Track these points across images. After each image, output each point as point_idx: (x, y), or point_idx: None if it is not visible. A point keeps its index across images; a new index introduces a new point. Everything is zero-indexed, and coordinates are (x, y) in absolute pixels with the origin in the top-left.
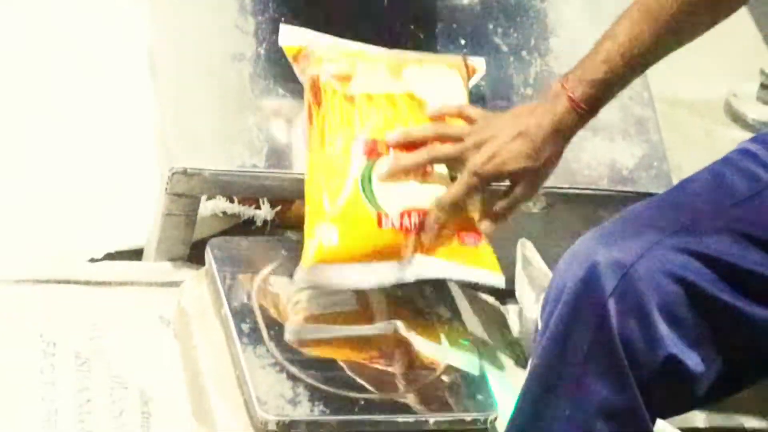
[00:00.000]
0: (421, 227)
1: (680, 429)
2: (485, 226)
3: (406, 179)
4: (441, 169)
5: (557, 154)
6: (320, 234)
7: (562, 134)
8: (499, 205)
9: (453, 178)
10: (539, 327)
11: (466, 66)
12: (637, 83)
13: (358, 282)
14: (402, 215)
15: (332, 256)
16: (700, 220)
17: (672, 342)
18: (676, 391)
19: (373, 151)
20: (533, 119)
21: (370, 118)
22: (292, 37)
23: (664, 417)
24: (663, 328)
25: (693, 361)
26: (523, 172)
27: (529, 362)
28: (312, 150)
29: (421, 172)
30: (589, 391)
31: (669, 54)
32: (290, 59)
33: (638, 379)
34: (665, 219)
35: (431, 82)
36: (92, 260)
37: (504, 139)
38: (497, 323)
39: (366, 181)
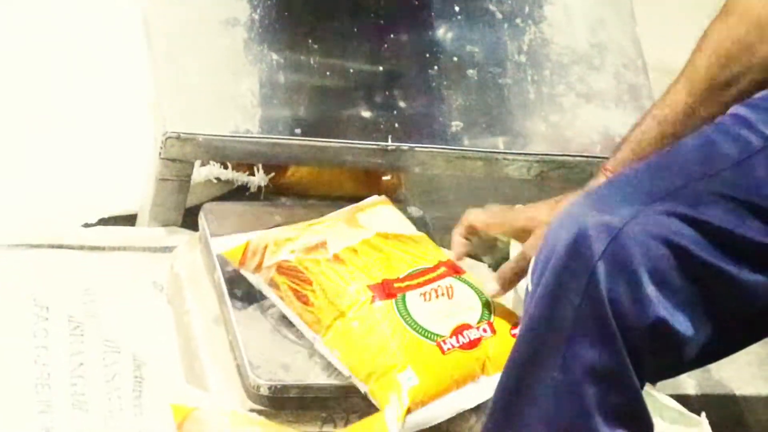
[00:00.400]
0: (473, 344)
1: (671, 395)
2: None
3: (438, 301)
4: (462, 287)
5: None
6: (399, 381)
7: None
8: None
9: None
10: (529, 290)
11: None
12: (630, 51)
13: (446, 415)
14: (454, 335)
15: (420, 396)
16: (690, 185)
17: (661, 305)
18: (664, 354)
19: (390, 292)
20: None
21: (366, 265)
22: (228, 242)
23: (653, 381)
24: (652, 291)
25: (682, 324)
26: None
27: (519, 325)
28: (329, 327)
29: (448, 291)
30: (577, 354)
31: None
32: (236, 263)
33: (627, 342)
34: (655, 183)
35: (380, 218)
36: (86, 225)
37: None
38: (490, 290)
39: (408, 318)
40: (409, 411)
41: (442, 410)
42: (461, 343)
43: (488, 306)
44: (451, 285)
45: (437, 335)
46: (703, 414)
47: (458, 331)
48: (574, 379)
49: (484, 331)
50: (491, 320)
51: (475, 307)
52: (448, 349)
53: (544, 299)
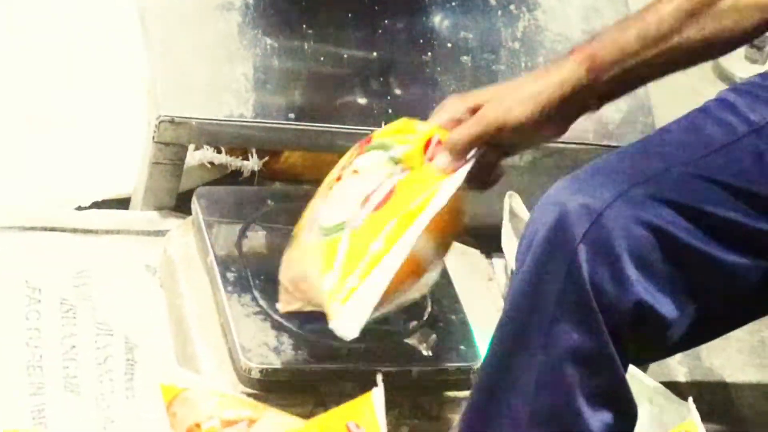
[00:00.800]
0: (387, 197)
1: (661, 383)
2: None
3: (342, 191)
4: (370, 156)
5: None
6: (326, 293)
7: (558, 84)
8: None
9: None
10: (513, 271)
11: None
12: None
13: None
14: (362, 205)
15: (349, 285)
16: (673, 168)
17: (643, 288)
18: (648, 337)
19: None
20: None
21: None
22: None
23: (638, 363)
24: (633, 273)
25: (665, 307)
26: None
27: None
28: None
29: (355, 172)
30: (559, 337)
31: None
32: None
33: (609, 325)
34: (638, 166)
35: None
36: (79, 208)
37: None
38: (482, 276)
39: (318, 231)
40: (347, 300)
41: (388, 271)
42: (372, 207)
43: (396, 153)
44: (359, 163)
45: (341, 223)
46: (690, 399)
47: (366, 199)
48: (557, 360)
49: (397, 177)
50: (400, 163)
51: (381, 165)
52: (359, 224)
53: (527, 281)
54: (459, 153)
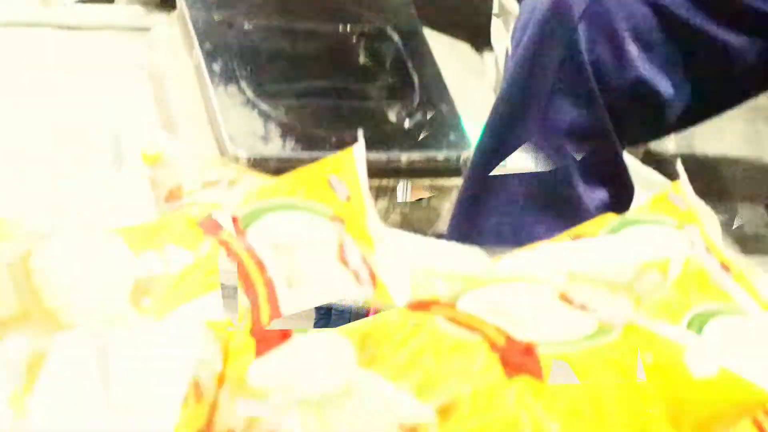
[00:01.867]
0: None
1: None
2: None
3: None
4: None
5: None
6: None
7: None
8: None
9: None
10: (509, 52)
11: None
12: None
13: None
14: None
15: None
16: None
17: (642, 65)
18: (645, 115)
19: None
20: None
21: None
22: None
23: (634, 142)
24: (633, 50)
25: (663, 85)
26: None
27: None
28: None
29: None
30: (557, 114)
31: None
32: None
33: (608, 102)
34: None
35: None
36: (64, 4)
37: None
38: (473, 70)
39: None
40: None
41: None
42: None
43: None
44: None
45: None
46: (678, 160)
47: None
48: (554, 137)
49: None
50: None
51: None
52: None
53: (525, 61)
54: None
